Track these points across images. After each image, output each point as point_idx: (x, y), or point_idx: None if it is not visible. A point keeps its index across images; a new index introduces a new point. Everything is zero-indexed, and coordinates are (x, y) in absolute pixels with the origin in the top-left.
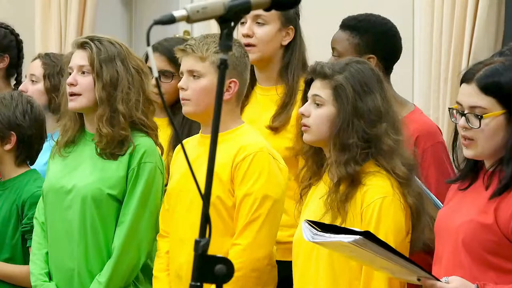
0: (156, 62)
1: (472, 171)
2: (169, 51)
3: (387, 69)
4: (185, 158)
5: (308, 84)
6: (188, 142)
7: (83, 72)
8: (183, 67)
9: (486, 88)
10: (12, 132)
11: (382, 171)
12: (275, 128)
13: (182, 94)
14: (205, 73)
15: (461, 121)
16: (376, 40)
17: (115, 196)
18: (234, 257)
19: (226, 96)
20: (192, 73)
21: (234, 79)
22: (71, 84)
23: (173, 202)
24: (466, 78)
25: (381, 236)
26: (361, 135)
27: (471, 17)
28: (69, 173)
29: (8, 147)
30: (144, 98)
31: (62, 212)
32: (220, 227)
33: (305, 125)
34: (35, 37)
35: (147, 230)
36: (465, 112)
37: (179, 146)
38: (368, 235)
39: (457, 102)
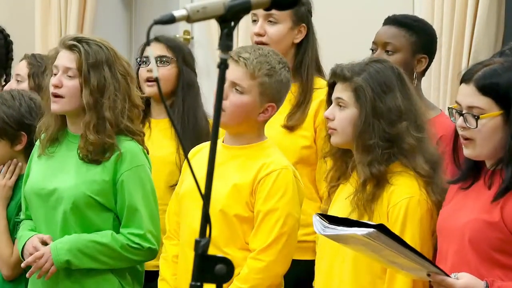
0: (155, 50)
1: (472, 170)
2: (167, 40)
3: (424, 72)
4: (195, 162)
5: (332, 86)
6: (206, 148)
7: (69, 75)
8: (228, 75)
9: (484, 89)
10: (23, 133)
11: (409, 171)
12: (290, 127)
13: None
14: (249, 91)
15: (459, 121)
16: (430, 42)
17: (98, 201)
18: (255, 272)
19: (260, 117)
20: (235, 85)
21: (273, 104)
22: (56, 86)
23: (185, 206)
24: (465, 78)
25: (407, 237)
26: (382, 135)
27: (471, 17)
28: (52, 175)
29: (19, 147)
30: (129, 104)
31: (46, 215)
32: (228, 237)
33: (331, 128)
34: (35, 37)
35: (157, 226)
36: (463, 112)
37: (192, 150)
38: (381, 228)
39: (456, 102)
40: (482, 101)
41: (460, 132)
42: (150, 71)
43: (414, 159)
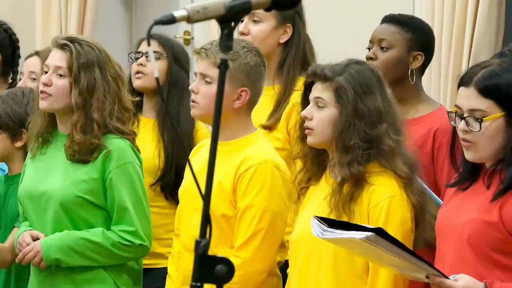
0: (147, 46)
1: (471, 172)
2: (159, 37)
3: (422, 70)
4: (191, 161)
5: (309, 86)
6: (204, 145)
7: (59, 74)
8: (197, 69)
9: (485, 91)
10: (24, 130)
11: (388, 171)
12: (267, 127)
13: (192, 96)
14: (217, 79)
15: (461, 124)
16: (426, 40)
17: (89, 200)
18: None
19: (236, 104)
20: (205, 77)
21: (245, 88)
22: (45, 84)
23: (182, 205)
24: (464, 82)
25: None
26: (362, 136)
27: (472, 17)
28: (42, 176)
29: (19, 144)
30: (119, 106)
31: (38, 216)
32: (219, 237)
33: (308, 128)
34: (36, 37)
35: (148, 222)
36: (465, 116)
37: (194, 148)
38: (379, 232)
39: (456, 106)
40: (484, 104)
41: (462, 135)
42: (140, 64)
43: (393, 161)
